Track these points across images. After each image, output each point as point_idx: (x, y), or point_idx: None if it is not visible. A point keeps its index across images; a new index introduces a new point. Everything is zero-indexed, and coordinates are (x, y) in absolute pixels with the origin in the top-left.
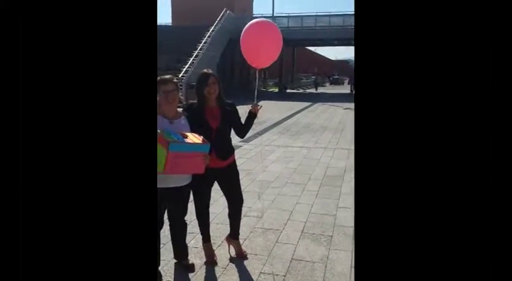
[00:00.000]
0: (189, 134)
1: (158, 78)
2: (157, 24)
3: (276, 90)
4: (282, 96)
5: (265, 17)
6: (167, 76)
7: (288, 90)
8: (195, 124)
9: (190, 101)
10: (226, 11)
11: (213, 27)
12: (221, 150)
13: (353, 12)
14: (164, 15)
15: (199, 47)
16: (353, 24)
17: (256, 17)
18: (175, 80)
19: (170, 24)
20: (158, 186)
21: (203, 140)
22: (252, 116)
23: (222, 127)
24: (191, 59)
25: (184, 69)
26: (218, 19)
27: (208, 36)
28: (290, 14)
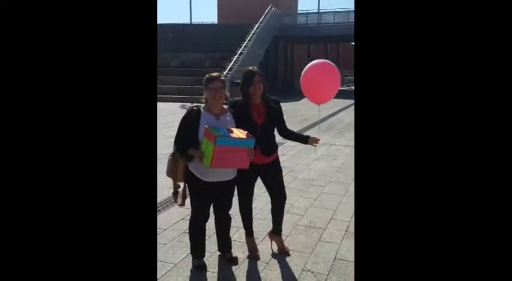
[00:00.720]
0: (234, 129)
1: (206, 75)
2: (203, 23)
3: None
4: None
5: (310, 13)
6: (215, 74)
7: None
8: (240, 120)
9: (236, 98)
10: (271, 7)
11: (257, 25)
12: (265, 146)
13: None
14: (210, 14)
15: (244, 45)
16: None
17: (301, 13)
18: (222, 78)
19: (216, 22)
20: (205, 180)
21: (248, 135)
22: (304, 141)
23: (266, 124)
24: (235, 56)
25: (229, 67)
26: (263, 16)
27: (253, 34)
28: (336, 10)
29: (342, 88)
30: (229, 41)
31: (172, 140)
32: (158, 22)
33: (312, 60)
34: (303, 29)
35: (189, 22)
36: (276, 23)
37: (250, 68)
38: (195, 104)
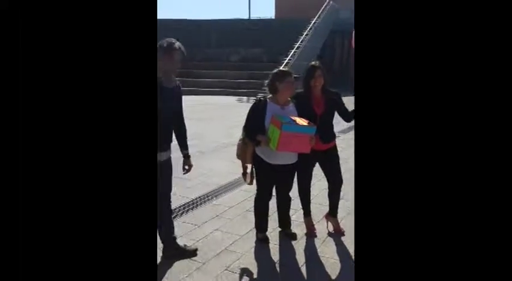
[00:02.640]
0: (297, 118)
1: (278, 70)
2: (262, 18)
3: None
4: None
5: None
6: (285, 69)
7: None
8: (302, 111)
9: (298, 90)
10: (329, 2)
11: (315, 19)
12: (324, 134)
13: None
14: (268, 9)
15: (301, 39)
16: None
17: None
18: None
19: (273, 18)
20: (270, 162)
21: (310, 123)
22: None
23: (325, 114)
24: (292, 51)
25: (285, 61)
26: (320, 11)
27: (310, 29)
28: None
29: None
30: (287, 36)
31: (231, 130)
32: (218, 17)
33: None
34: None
35: (247, 17)
36: (333, 17)
37: (313, 63)
38: (260, 95)
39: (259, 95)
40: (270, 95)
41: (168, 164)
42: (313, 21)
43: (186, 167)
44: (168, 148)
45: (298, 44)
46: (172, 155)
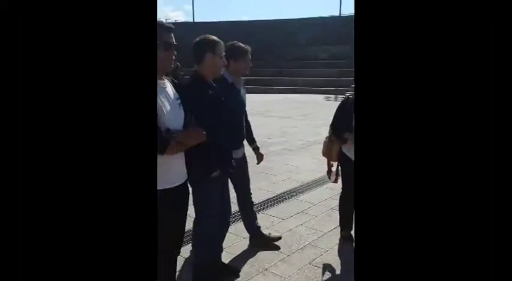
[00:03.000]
0: None
1: None
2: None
3: None
4: None
5: None
6: None
7: None
8: None
9: None
10: None
11: None
12: None
13: None
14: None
15: None
16: None
17: None
18: None
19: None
20: None
21: None
22: None
23: None
24: None
25: None
26: None
27: None
28: None
29: None
30: None
31: (319, 129)
32: (306, 16)
33: None
34: None
35: (338, 14)
36: None
37: None
38: (349, 93)
39: (348, 93)
40: None
41: (244, 159)
42: None
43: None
44: (242, 145)
45: None
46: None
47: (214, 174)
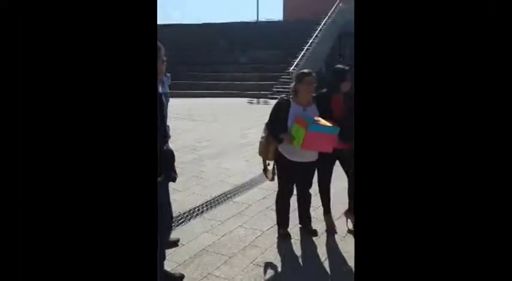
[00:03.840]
0: (320, 119)
1: (300, 71)
2: (269, 20)
3: None
4: None
5: None
6: (306, 70)
7: None
8: (322, 112)
9: (321, 91)
10: (338, 4)
11: (324, 21)
12: (343, 134)
13: None
14: (276, 11)
15: (310, 41)
16: None
17: None
18: (313, 74)
19: (282, 20)
20: (292, 159)
21: (333, 124)
22: None
23: (345, 116)
24: (302, 52)
25: (295, 63)
26: (330, 13)
27: (320, 31)
28: None
29: None
30: (296, 38)
31: (246, 131)
32: (227, 21)
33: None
34: None
35: (255, 20)
36: (342, 19)
37: (342, 66)
38: (283, 96)
39: (283, 95)
40: (292, 96)
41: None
42: (322, 23)
43: None
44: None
45: (307, 46)
46: (190, 156)
47: (159, 179)
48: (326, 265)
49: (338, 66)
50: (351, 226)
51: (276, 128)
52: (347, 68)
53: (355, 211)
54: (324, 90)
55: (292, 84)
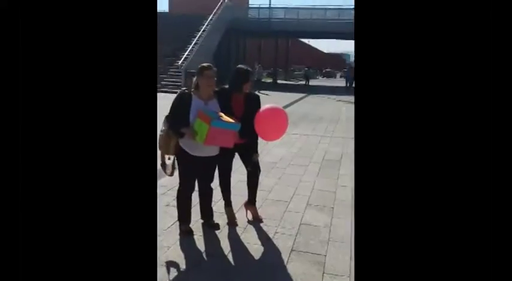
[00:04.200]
0: (223, 114)
1: (200, 65)
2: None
3: (270, 80)
4: (275, 87)
5: (262, 8)
6: (206, 64)
7: (279, 81)
8: (223, 108)
9: (223, 86)
10: (224, 0)
11: (211, 16)
12: (243, 130)
13: (349, 6)
14: (161, 2)
15: (198, 36)
16: (348, 18)
17: (252, 8)
18: (214, 68)
19: (167, 11)
20: (194, 154)
21: (235, 120)
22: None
23: (244, 114)
24: (190, 47)
25: (183, 57)
26: (216, 8)
27: (207, 25)
28: (287, 6)
29: (290, 82)
30: (182, 32)
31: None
32: None
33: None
34: (255, 23)
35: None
36: (229, 16)
37: (244, 66)
38: (184, 89)
39: (183, 88)
40: (193, 89)
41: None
42: (209, 18)
43: None
44: None
45: (195, 40)
46: None
47: None
48: (230, 257)
49: (241, 66)
50: (250, 216)
51: (177, 122)
52: (250, 69)
53: (355, 210)
54: (226, 86)
55: (194, 79)
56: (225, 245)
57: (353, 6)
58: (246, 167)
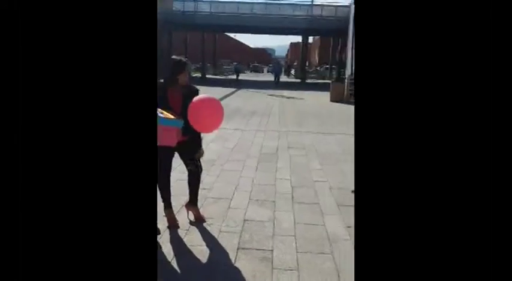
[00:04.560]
0: (163, 111)
1: None
2: None
3: (199, 75)
4: (204, 81)
5: (187, 0)
6: None
7: (208, 76)
8: (160, 104)
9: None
10: None
11: None
12: (184, 127)
13: (275, 1)
14: None
15: None
16: (274, 12)
17: (177, 0)
18: None
19: None
20: None
21: (175, 116)
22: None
23: (184, 108)
24: None
25: None
26: None
27: None
28: (212, 0)
29: (220, 77)
30: None
31: None
32: None
33: None
34: (179, 16)
35: None
36: (160, 8)
37: (181, 57)
38: None
39: None
40: None
41: None
42: None
43: None
44: None
45: None
46: None
47: None
48: (174, 263)
49: (174, 57)
50: (192, 217)
51: None
52: (184, 59)
53: (355, 210)
54: (161, 80)
55: None
56: (168, 251)
57: (279, 2)
58: (187, 166)
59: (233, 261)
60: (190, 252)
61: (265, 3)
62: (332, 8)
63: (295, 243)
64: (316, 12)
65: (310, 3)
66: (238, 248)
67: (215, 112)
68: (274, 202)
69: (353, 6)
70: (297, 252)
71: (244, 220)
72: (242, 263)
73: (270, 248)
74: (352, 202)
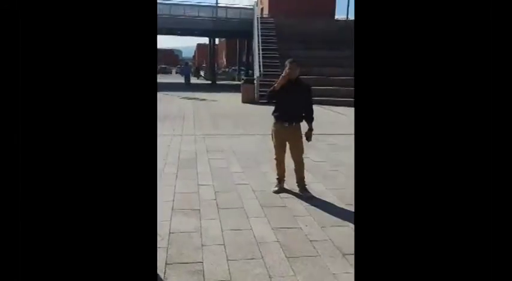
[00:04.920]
0: None
1: None
2: None
3: None
4: None
5: None
6: None
7: None
8: None
9: None
10: None
11: None
12: None
13: (181, 2)
14: None
15: None
16: (179, 14)
17: None
18: None
19: None
20: None
21: None
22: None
23: None
24: None
25: None
26: None
27: None
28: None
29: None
30: None
31: None
32: None
33: None
34: None
35: None
36: None
37: None
38: None
39: None
40: None
41: None
42: None
43: None
44: None
45: None
46: None
47: None
48: None
49: None
50: None
51: None
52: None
53: (355, 210)
54: None
55: None
56: None
57: (188, 3)
58: None
59: (163, 278)
60: None
61: (170, 4)
62: (236, 10)
63: (225, 251)
64: (221, 14)
65: (215, 4)
66: (166, 264)
67: None
68: (199, 210)
69: (256, 8)
70: (227, 260)
71: (170, 233)
72: (172, 280)
73: (200, 260)
74: (275, 203)
